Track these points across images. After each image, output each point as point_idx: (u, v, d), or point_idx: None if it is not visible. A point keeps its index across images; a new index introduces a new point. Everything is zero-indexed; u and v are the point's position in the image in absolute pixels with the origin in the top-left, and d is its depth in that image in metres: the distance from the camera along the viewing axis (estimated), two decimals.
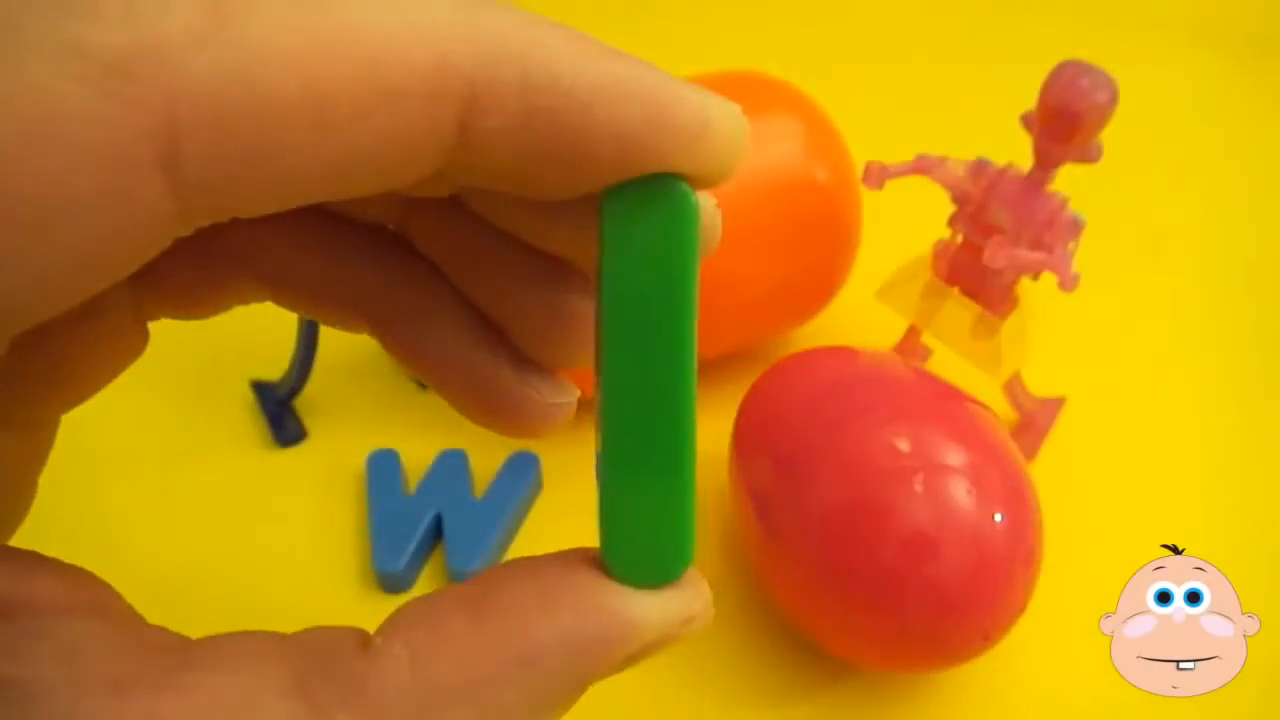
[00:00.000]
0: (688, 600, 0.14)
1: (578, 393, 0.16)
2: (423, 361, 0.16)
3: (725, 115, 0.14)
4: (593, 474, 0.14)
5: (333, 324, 0.17)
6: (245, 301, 0.17)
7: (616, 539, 0.14)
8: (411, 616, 0.14)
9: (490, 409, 0.16)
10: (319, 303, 0.16)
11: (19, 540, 0.15)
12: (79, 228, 0.11)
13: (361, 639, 0.14)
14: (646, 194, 0.13)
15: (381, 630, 0.14)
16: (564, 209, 0.14)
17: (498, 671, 0.13)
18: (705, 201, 0.13)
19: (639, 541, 0.14)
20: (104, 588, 0.14)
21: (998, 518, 0.23)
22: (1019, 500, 0.24)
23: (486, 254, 0.16)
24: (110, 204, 0.11)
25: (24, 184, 0.10)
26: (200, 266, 0.16)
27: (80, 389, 0.16)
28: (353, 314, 0.16)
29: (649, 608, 0.14)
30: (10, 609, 0.13)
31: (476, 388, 0.16)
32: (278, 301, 0.17)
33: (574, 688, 0.14)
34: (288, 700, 0.13)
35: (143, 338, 0.16)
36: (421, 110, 0.12)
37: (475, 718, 0.13)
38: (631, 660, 0.14)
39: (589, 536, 0.31)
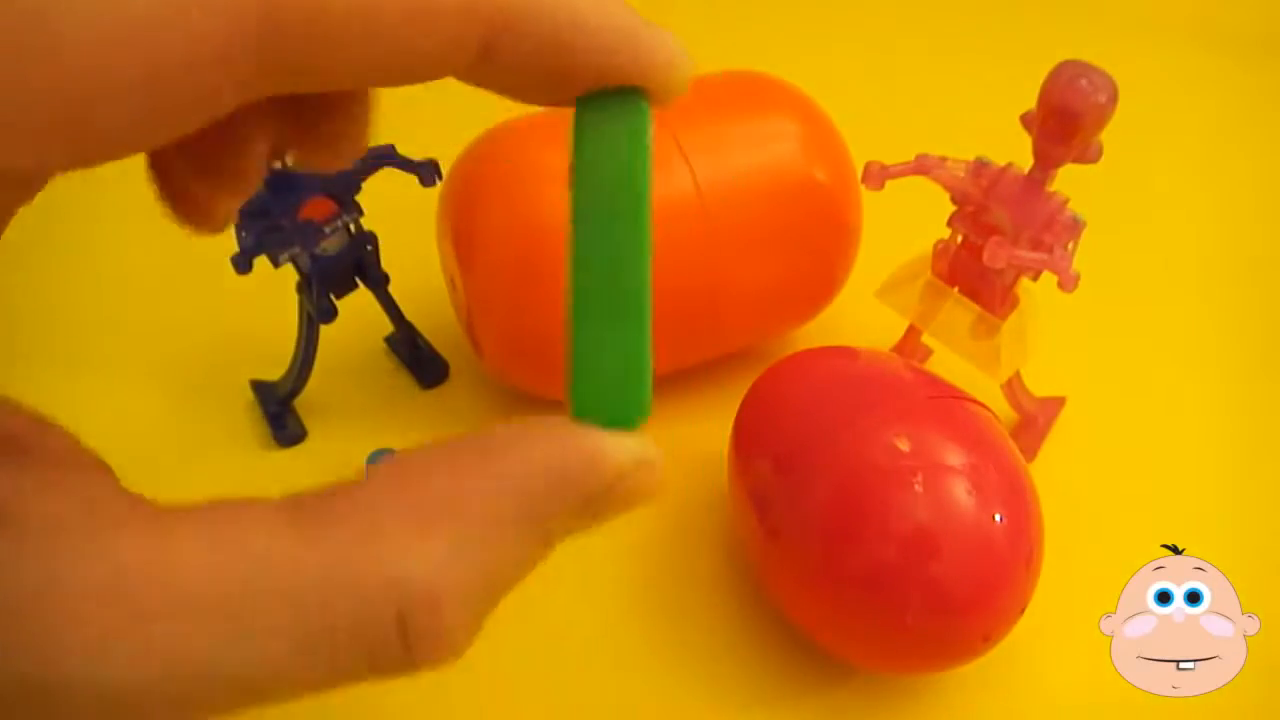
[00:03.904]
0: (644, 444, 0.15)
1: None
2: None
3: (682, 53, 0.16)
4: None
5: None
6: None
7: (582, 384, 0.15)
8: (392, 457, 0.14)
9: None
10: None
11: None
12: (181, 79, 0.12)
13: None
14: (615, 100, 0.16)
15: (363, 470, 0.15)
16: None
17: (481, 487, 0.14)
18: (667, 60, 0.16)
19: (602, 385, 0.15)
20: (103, 462, 0.15)
21: (998, 518, 0.23)
22: (1019, 500, 0.24)
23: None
24: (209, 65, 0.13)
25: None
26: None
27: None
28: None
29: (613, 441, 0.15)
30: (27, 452, 0.14)
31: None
32: None
33: (552, 517, 0.14)
34: (279, 511, 0.14)
35: None
36: (454, 28, 0.14)
37: (460, 532, 0.14)
38: (602, 503, 0.15)
39: (588, 536, 0.30)
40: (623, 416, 0.15)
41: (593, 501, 0.15)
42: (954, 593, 0.23)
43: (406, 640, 0.13)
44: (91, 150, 0.13)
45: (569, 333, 0.15)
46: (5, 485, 0.13)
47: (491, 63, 0.15)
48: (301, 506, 0.14)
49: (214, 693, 0.13)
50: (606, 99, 0.16)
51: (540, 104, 0.16)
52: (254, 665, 0.13)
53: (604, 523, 0.15)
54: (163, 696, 0.13)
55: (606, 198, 0.15)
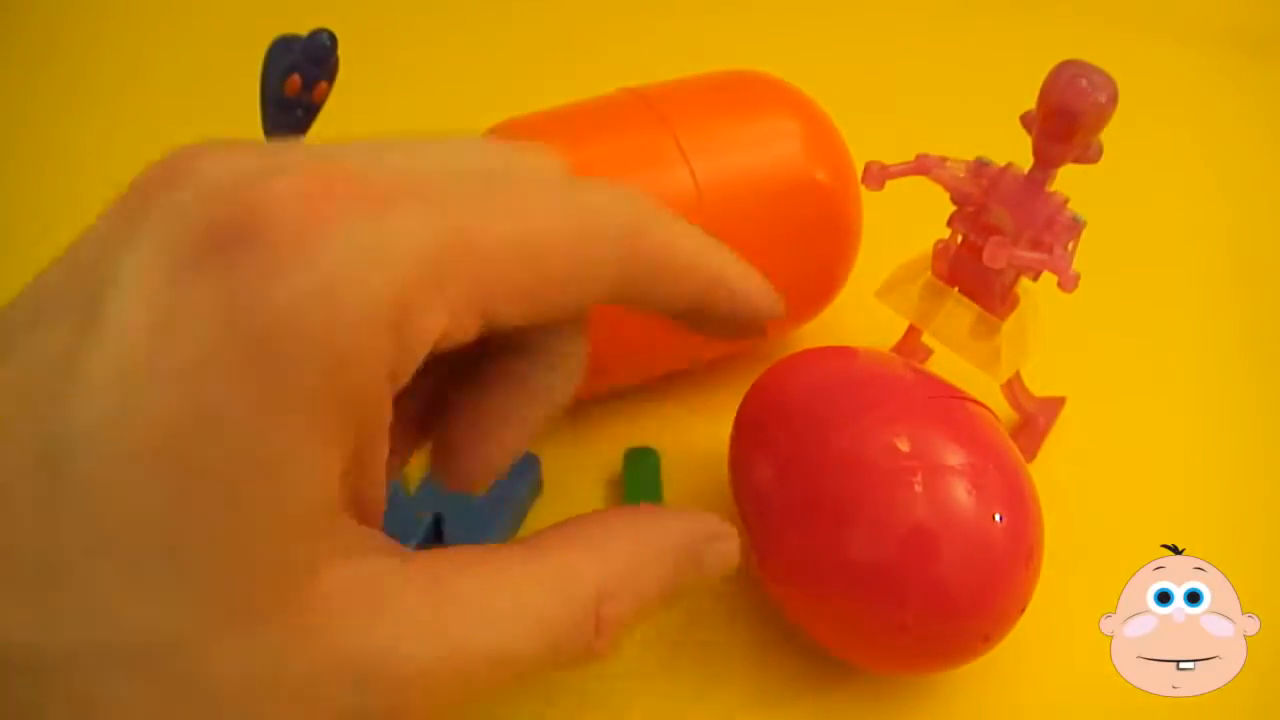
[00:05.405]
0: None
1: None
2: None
3: (771, 295, 0.22)
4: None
5: None
6: None
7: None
8: (596, 513, 0.20)
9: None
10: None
11: None
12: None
13: None
14: (642, 450, 0.31)
15: None
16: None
17: (649, 535, 0.20)
18: None
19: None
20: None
21: (998, 518, 0.23)
22: (1019, 500, 0.24)
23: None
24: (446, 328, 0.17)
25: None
26: None
27: None
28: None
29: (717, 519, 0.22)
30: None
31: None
32: None
33: (688, 554, 0.20)
34: (518, 548, 0.19)
35: None
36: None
37: (638, 555, 0.20)
38: (709, 549, 0.21)
39: None
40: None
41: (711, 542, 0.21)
42: (954, 593, 0.23)
43: (598, 626, 0.18)
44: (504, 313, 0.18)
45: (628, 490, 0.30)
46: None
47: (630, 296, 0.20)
48: (541, 541, 0.19)
49: (484, 674, 0.17)
50: (638, 450, 0.31)
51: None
52: (515, 652, 0.18)
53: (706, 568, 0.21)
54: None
55: (644, 483, 0.30)
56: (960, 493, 0.23)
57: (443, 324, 0.17)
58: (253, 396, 0.15)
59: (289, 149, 0.18)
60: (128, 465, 0.14)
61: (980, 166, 0.28)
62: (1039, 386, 0.33)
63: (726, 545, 0.21)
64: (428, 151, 0.18)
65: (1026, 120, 0.27)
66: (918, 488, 0.23)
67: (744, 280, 0.21)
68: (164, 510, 0.14)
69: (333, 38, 0.25)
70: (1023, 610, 0.24)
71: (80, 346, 0.15)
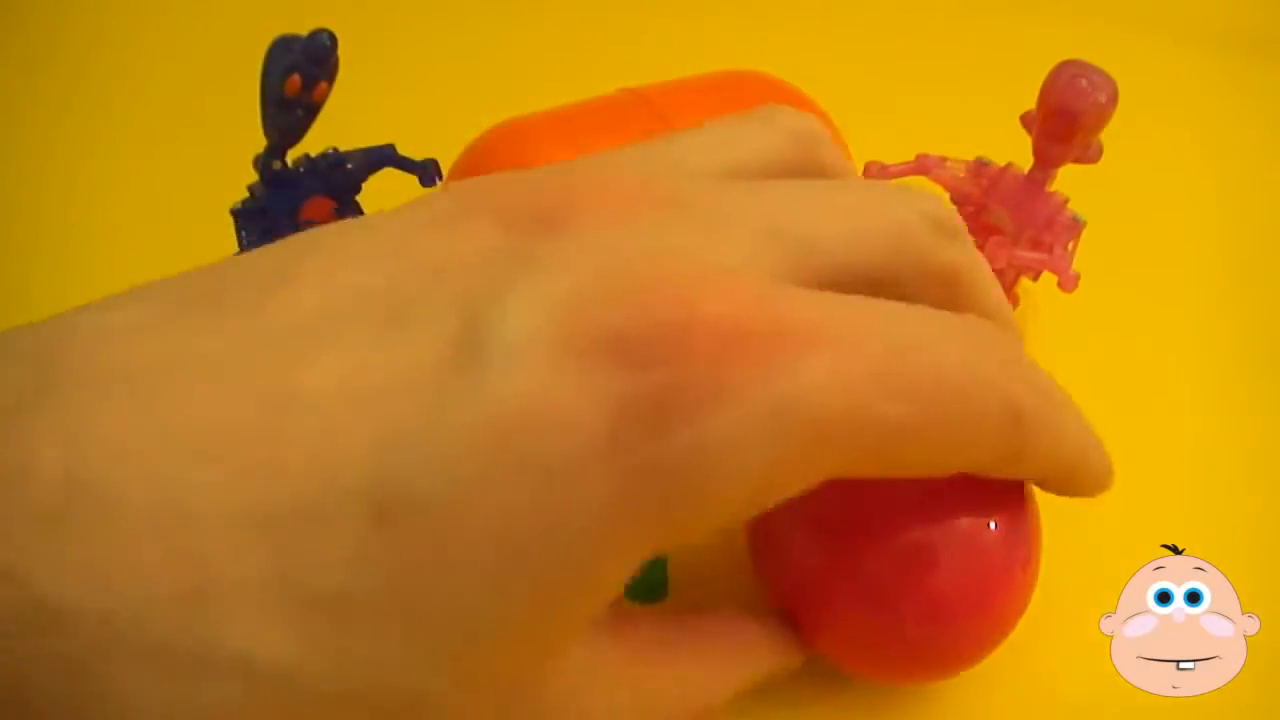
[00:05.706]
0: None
1: None
2: None
3: (1108, 468, 0.23)
4: None
5: None
6: None
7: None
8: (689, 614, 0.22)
9: None
10: None
11: None
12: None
13: None
14: None
15: None
16: None
17: (732, 642, 0.22)
18: None
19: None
20: None
21: (995, 523, 0.23)
22: (1017, 503, 0.24)
23: None
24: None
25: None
26: None
27: None
28: None
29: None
30: None
31: None
32: None
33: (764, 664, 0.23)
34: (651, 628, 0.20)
35: None
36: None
37: (727, 664, 0.21)
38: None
39: None
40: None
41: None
42: (951, 601, 0.23)
43: None
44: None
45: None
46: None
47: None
48: (687, 633, 0.21)
49: None
50: None
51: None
52: None
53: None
54: None
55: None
56: (957, 497, 0.23)
57: (797, 491, 0.17)
58: (602, 519, 0.15)
59: (687, 222, 0.17)
60: (451, 545, 0.14)
61: (980, 166, 0.28)
62: None
63: (792, 660, 0.24)
64: (849, 252, 0.18)
65: (1026, 120, 0.27)
66: (915, 494, 0.23)
67: (1094, 465, 0.22)
68: (470, 589, 0.14)
69: (333, 38, 0.25)
70: (1021, 614, 0.24)
71: (438, 388, 0.14)
